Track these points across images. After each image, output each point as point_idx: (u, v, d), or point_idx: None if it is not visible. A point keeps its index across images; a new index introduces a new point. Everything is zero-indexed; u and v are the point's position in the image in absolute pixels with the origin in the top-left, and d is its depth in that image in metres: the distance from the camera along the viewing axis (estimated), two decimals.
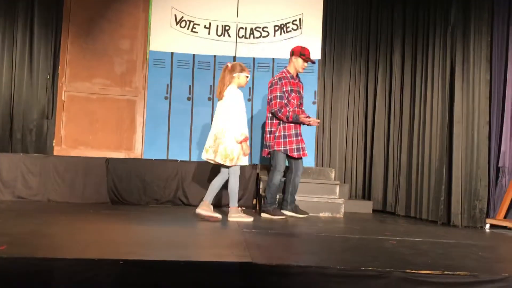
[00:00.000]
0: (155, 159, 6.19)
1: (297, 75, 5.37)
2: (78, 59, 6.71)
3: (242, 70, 4.78)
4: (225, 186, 4.82)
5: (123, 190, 5.82)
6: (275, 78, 5.21)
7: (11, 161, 5.74)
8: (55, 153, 6.53)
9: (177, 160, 6.17)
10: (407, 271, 2.78)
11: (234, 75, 4.73)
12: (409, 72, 6.26)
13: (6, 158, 5.77)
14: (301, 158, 5.28)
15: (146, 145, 6.69)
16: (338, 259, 3.15)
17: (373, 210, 6.39)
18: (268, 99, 5.22)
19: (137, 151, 6.71)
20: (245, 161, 4.71)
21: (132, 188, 5.84)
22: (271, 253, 3.29)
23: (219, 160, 4.61)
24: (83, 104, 6.69)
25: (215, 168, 5.17)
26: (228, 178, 4.70)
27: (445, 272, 2.80)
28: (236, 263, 2.79)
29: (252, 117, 6.71)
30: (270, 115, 5.25)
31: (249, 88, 6.73)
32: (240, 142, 4.61)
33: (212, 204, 4.70)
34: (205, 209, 4.60)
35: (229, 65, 4.78)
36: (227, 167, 4.68)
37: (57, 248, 3.12)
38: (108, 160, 5.91)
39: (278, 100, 5.12)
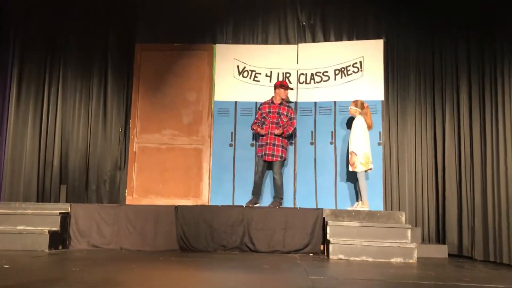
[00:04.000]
0: (221, 205, 6.29)
1: (281, 102, 6.50)
2: (148, 112, 7.10)
3: None
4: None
5: (191, 237, 5.91)
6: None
7: (86, 211, 6.04)
8: (127, 202, 6.82)
9: (242, 206, 6.23)
10: None
11: None
12: (477, 108, 6.01)
13: (82, 209, 6.08)
14: (274, 161, 6.39)
15: (212, 192, 6.83)
16: None
17: (449, 255, 6.04)
18: None
19: (204, 198, 6.86)
20: None
21: (200, 234, 5.92)
22: None
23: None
24: (153, 154, 7.01)
25: None
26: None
27: None
28: None
29: (315, 159, 6.73)
30: None
31: (311, 131, 6.77)
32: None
33: None
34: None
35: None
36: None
37: None
38: (177, 208, 6.06)
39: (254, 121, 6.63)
